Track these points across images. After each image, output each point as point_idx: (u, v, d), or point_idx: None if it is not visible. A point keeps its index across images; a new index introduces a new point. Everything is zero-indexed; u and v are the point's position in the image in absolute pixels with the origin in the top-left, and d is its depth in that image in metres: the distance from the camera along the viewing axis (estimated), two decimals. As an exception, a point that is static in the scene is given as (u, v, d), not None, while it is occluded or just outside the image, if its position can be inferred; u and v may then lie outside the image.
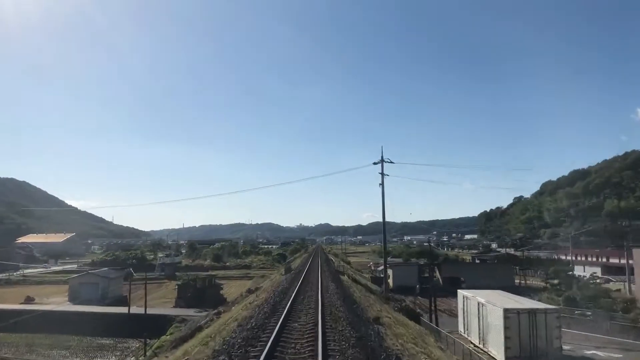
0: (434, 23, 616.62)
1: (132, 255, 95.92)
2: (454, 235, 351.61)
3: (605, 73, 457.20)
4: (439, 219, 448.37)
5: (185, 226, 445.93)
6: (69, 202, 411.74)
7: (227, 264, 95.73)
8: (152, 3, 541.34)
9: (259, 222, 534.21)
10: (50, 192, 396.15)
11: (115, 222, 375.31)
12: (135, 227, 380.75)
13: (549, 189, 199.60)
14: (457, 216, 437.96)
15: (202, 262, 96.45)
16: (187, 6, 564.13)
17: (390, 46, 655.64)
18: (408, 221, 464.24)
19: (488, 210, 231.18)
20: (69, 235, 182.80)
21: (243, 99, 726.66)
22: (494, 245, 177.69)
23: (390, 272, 64.10)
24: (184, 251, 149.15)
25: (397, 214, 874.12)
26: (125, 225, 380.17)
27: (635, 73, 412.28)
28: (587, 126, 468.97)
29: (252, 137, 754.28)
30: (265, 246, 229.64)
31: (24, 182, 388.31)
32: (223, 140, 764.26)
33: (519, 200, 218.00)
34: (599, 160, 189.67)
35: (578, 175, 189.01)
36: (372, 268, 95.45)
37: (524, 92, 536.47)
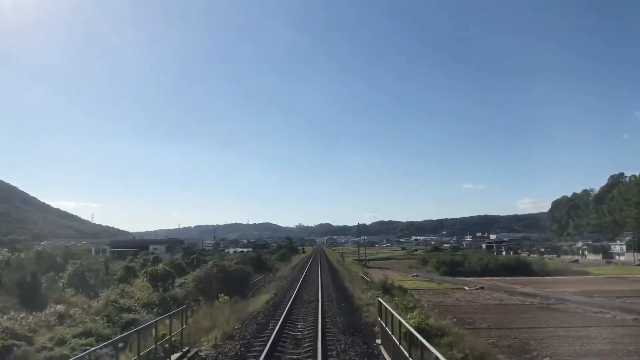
0: (437, 30, 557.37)
1: None
2: (478, 234, 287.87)
3: None
4: (448, 217, 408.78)
5: (181, 226, 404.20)
6: (48, 202, 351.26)
7: None
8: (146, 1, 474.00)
9: (257, 222, 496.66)
10: (21, 188, 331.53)
11: (94, 222, 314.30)
12: (117, 227, 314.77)
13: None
14: (467, 215, 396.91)
15: None
16: (182, 4, 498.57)
17: (392, 48, 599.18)
18: (414, 220, 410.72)
19: (569, 196, 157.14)
20: None
21: (239, 96, 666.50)
22: (617, 248, 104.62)
23: None
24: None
25: (401, 214, 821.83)
26: (104, 224, 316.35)
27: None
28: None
29: (249, 134, 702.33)
30: (241, 249, 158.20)
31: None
32: (218, 139, 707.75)
33: (618, 180, 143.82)
34: None
35: None
36: None
37: (527, 89, 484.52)
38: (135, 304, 32.04)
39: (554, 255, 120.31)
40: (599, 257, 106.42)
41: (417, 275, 71.90)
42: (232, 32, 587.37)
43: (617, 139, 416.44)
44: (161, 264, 68.94)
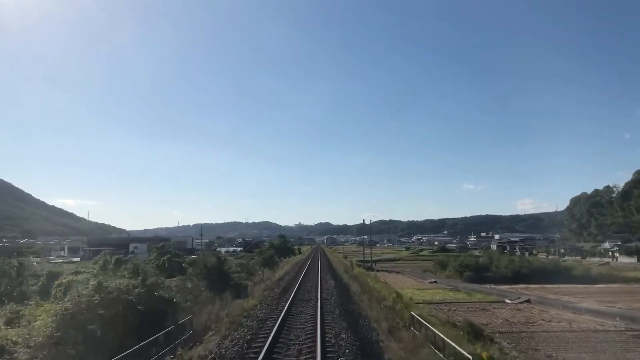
0: (439, 32, 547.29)
1: None
2: (483, 234, 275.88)
3: None
4: (449, 217, 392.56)
5: (180, 225, 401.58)
6: (47, 200, 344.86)
7: None
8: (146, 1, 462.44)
9: (256, 221, 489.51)
10: (18, 186, 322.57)
11: (90, 220, 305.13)
12: (115, 225, 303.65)
13: None
14: (468, 215, 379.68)
15: None
16: (182, 4, 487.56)
17: (393, 49, 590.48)
18: (415, 219, 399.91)
19: (589, 193, 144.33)
20: None
21: (240, 96, 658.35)
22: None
23: None
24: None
25: (402, 214, 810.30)
26: (101, 222, 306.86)
27: None
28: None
29: (249, 134, 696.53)
30: (234, 249, 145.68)
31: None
32: (218, 138, 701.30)
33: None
34: None
35: None
36: None
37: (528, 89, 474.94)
38: (23, 341, 19.83)
39: (577, 257, 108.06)
40: (632, 259, 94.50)
41: (435, 282, 59.83)
42: (233, 32, 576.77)
43: (619, 141, 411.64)
44: (123, 267, 56.95)
